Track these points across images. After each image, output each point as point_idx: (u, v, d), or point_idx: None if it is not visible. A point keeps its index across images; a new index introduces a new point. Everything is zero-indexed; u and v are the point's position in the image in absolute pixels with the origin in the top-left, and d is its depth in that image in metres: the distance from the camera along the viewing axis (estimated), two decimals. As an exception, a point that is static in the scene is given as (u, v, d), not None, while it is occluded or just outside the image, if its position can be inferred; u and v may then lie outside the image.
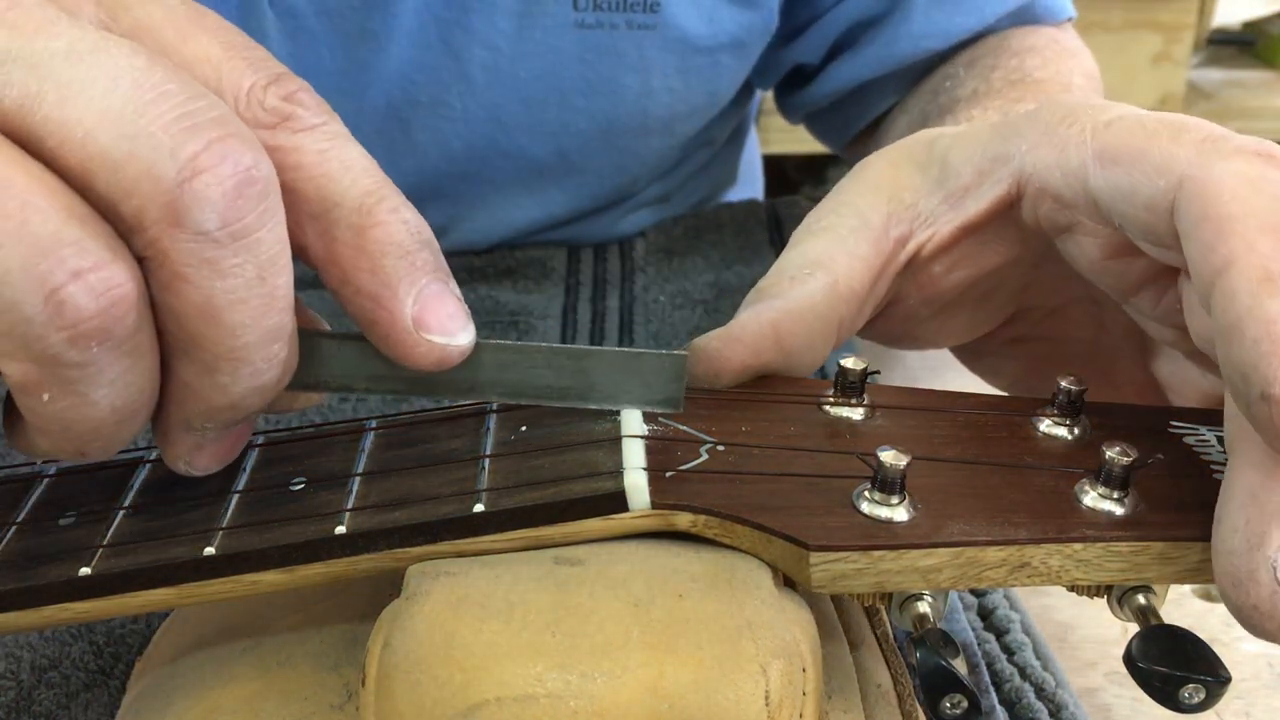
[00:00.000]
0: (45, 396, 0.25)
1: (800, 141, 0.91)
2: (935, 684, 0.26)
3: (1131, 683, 0.26)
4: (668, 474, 0.28)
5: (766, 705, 0.24)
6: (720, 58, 0.63)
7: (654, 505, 0.28)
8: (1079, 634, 0.42)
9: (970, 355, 0.39)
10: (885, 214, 0.33)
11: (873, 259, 0.33)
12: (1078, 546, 0.26)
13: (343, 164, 0.27)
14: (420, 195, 0.62)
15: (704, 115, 0.66)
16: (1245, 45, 1.92)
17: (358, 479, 0.29)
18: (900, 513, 0.27)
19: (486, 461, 0.29)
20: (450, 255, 0.67)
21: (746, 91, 0.70)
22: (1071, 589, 0.28)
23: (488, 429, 0.30)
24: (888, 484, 0.27)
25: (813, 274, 0.32)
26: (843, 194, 0.35)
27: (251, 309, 0.25)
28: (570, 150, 0.62)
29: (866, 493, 0.27)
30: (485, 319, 0.60)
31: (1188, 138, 0.28)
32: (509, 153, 0.62)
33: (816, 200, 0.36)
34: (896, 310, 0.35)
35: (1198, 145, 0.28)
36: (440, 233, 0.63)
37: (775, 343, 0.32)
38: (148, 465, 0.31)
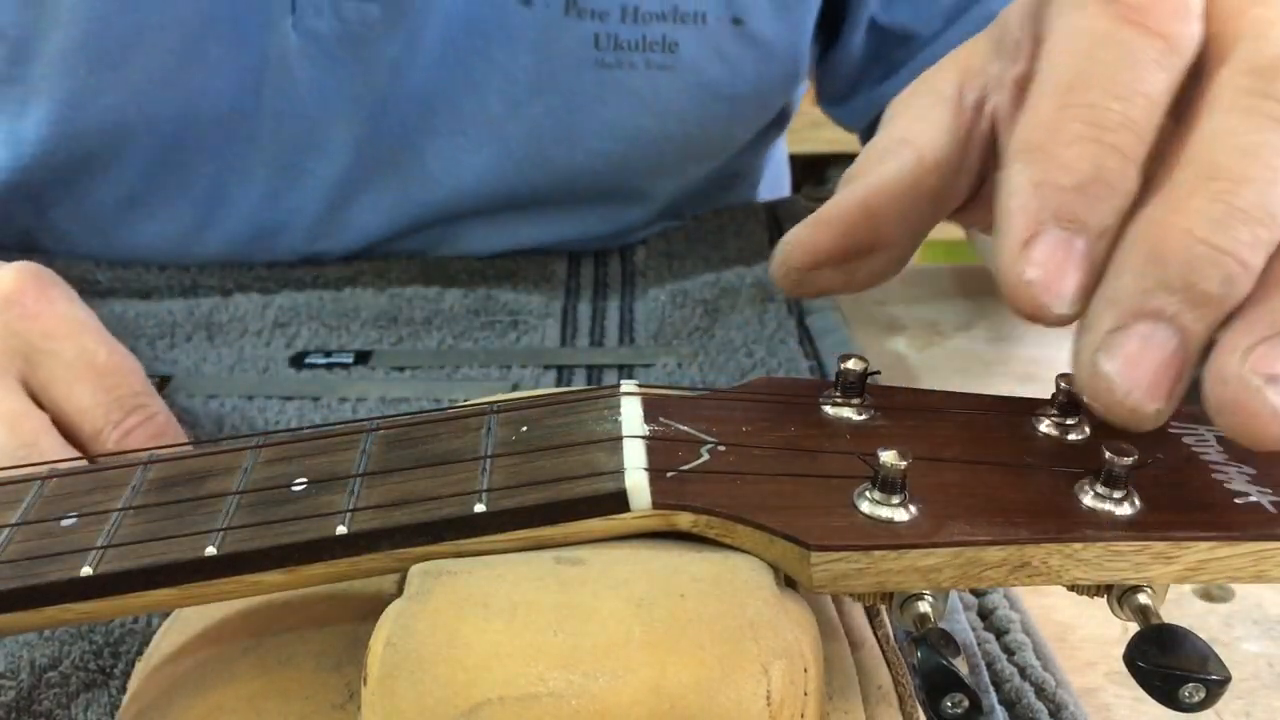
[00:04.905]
0: None
1: (800, 142, 0.91)
2: (936, 683, 0.26)
3: (1132, 683, 0.26)
4: (669, 474, 0.28)
5: (768, 705, 0.24)
6: (740, 105, 0.63)
7: (655, 505, 0.28)
8: (1079, 634, 0.42)
9: None
10: (958, 83, 0.33)
11: (955, 128, 0.33)
12: (1078, 546, 0.27)
13: None
14: (426, 221, 0.62)
15: (720, 156, 0.66)
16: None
17: (359, 479, 0.29)
18: (901, 513, 0.27)
19: (488, 462, 0.29)
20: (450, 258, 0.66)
21: (775, 128, 0.70)
22: (1072, 589, 0.28)
23: (489, 429, 0.30)
24: (888, 484, 0.27)
25: (897, 150, 0.32)
26: (920, 78, 0.35)
27: None
28: (580, 188, 0.63)
29: (867, 493, 0.27)
30: (485, 319, 0.60)
31: None
32: (518, 188, 0.62)
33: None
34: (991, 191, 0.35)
35: None
36: (440, 245, 0.64)
37: (866, 219, 0.31)
38: (148, 466, 0.31)
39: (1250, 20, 0.26)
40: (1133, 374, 0.25)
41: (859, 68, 0.65)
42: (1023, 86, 0.32)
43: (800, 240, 0.32)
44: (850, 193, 0.32)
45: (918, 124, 0.33)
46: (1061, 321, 0.26)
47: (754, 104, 0.64)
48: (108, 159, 0.59)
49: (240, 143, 0.59)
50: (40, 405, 0.40)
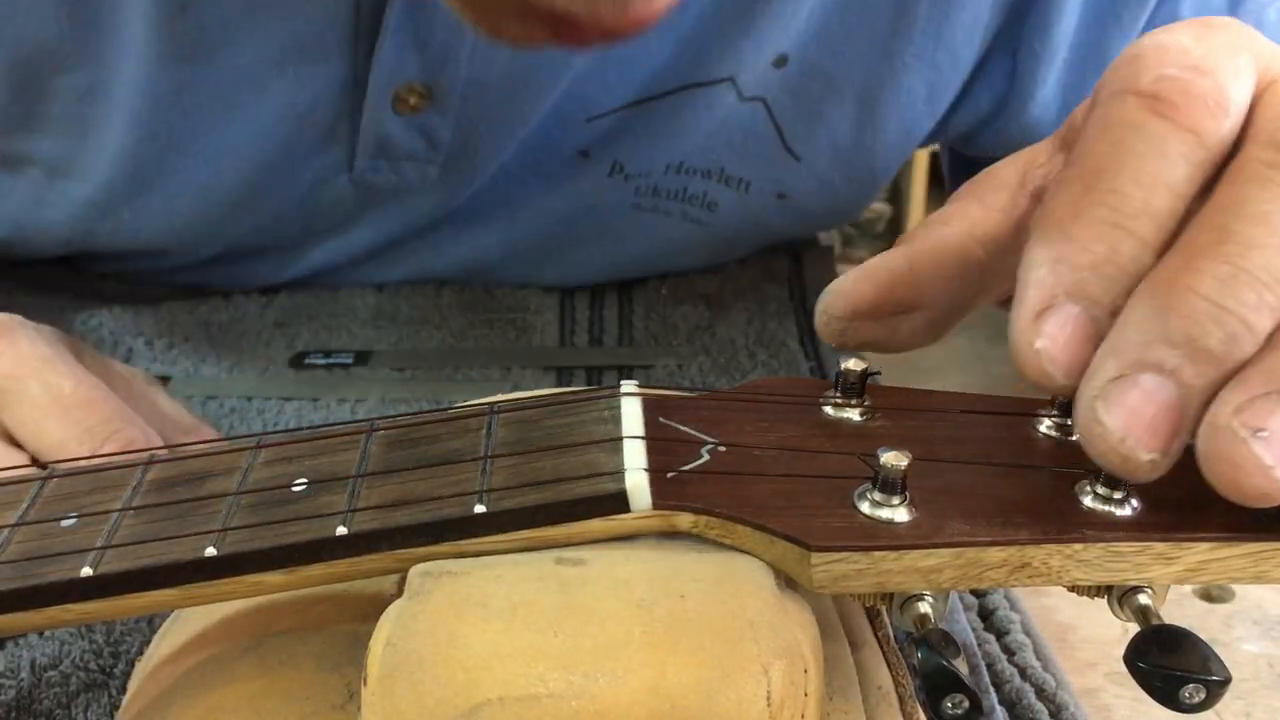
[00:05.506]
0: None
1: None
2: (937, 684, 0.26)
3: (1132, 683, 0.26)
4: (669, 475, 0.28)
5: (768, 705, 0.24)
6: (769, 249, 0.65)
7: (655, 506, 0.28)
8: (1079, 634, 0.42)
9: None
10: (1020, 172, 0.34)
11: (1010, 209, 0.34)
12: (1078, 547, 0.26)
13: None
14: (436, 280, 0.63)
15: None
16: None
17: (360, 480, 0.29)
18: (901, 513, 0.27)
19: (488, 462, 0.29)
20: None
21: None
22: (1072, 589, 0.28)
23: (489, 430, 0.30)
24: (889, 484, 0.27)
25: (949, 221, 0.33)
26: (987, 170, 0.36)
27: None
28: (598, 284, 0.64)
29: (868, 493, 0.27)
30: (483, 315, 0.60)
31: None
32: (534, 279, 0.63)
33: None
34: None
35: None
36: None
37: (909, 276, 0.32)
38: (148, 466, 0.31)
39: None
40: (1128, 422, 0.25)
41: None
42: None
43: (843, 290, 0.33)
44: (896, 250, 0.33)
45: (974, 204, 0.34)
46: (1064, 391, 0.27)
47: (780, 241, 0.66)
48: (139, 262, 0.60)
49: (277, 254, 0.60)
50: (19, 446, 0.40)
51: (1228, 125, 0.27)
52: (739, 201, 0.59)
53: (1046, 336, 0.26)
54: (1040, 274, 0.27)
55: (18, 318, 0.43)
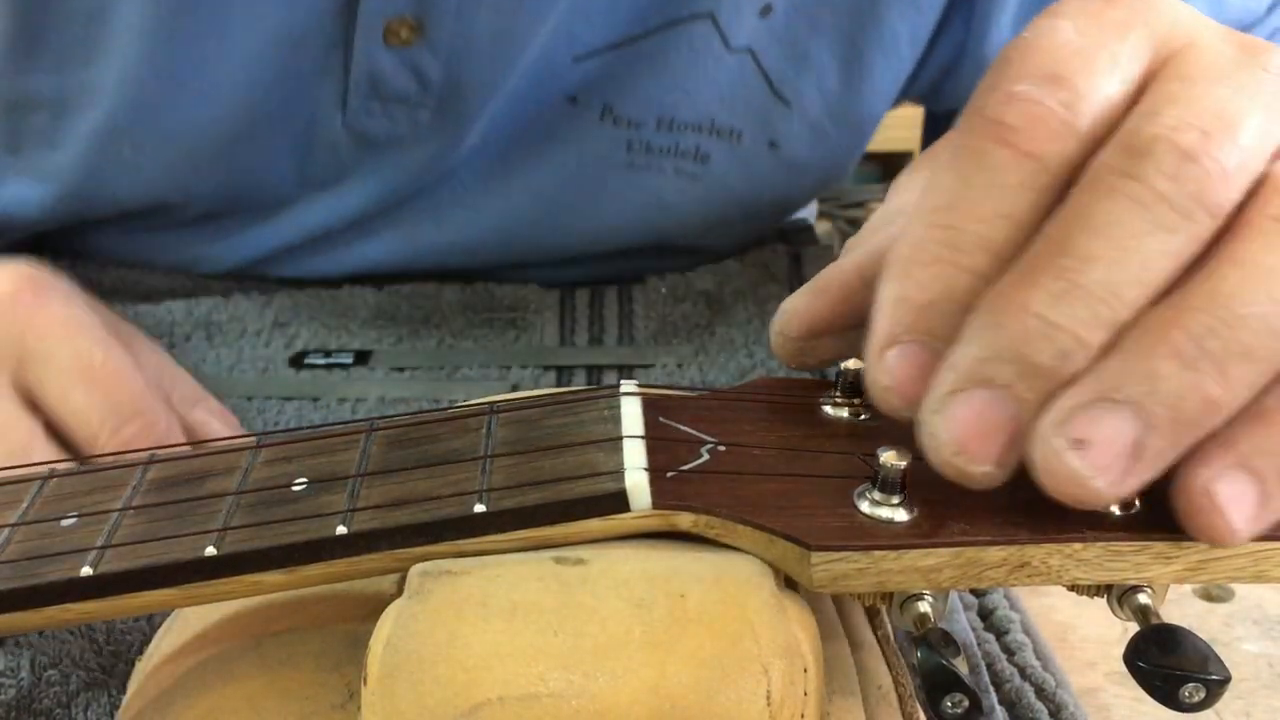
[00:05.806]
0: None
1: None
2: (936, 683, 0.26)
3: (1131, 683, 0.26)
4: (669, 474, 0.28)
5: (768, 705, 0.24)
6: (765, 212, 0.64)
7: (655, 506, 0.28)
8: (1079, 634, 0.42)
9: None
10: None
11: None
12: (1077, 546, 0.27)
13: None
14: (431, 260, 0.63)
15: (735, 242, 0.67)
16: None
17: (359, 479, 0.29)
18: (901, 513, 0.27)
19: (488, 462, 0.29)
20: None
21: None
22: (1072, 588, 0.28)
23: (489, 429, 0.30)
24: (888, 484, 0.27)
25: (895, 220, 0.33)
26: (924, 154, 0.35)
27: None
28: (590, 258, 0.64)
29: (867, 493, 0.27)
30: (482, 314, 0.60)
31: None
32: (527, 255, 0.63)
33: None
34: None
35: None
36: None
37: (863, 286, 0.32)
38: (148, 466, 0.31)
39: (1156, 95, 0.27)
40: (962, 435, 0.26)
41: None
42: None
43: (796, 309, 0.32)
44: (844, 261, 0.32)
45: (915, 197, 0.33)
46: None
47: (780, 212, 0.65)
48: (136, 219, 0.60)
49: (273, 206, 0.60)
50: (36, 409, 0.40)
51: (1072, 145, 0.27)
52: (731, 153, 0.58)
53: (889, 373, 0.27)
54: (883, 312, 0.27)
55: (48, 274, 0.42)
